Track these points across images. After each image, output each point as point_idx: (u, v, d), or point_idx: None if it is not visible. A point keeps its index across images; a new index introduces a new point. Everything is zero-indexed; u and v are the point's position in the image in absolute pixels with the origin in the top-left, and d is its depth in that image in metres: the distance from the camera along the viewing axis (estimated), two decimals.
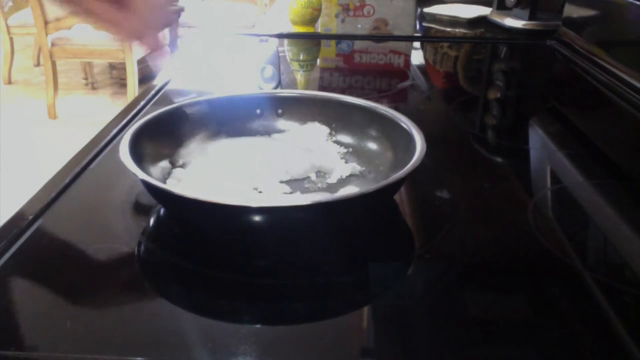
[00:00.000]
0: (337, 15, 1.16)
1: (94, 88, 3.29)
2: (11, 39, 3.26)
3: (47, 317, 0.40)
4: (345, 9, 1.16)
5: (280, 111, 0.65)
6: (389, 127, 0.58)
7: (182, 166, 0.57)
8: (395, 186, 0.50)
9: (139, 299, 0.43)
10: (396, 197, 0.54)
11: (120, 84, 3.21)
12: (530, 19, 1.20)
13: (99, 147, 0.64)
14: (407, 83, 0.97)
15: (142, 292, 0.44)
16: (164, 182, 0.53)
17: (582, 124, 0.76)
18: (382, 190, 0.47)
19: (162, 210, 0.52)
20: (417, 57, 1.15)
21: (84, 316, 0.41)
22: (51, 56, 2.74)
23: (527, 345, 0.38)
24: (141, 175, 0.46)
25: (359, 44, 1.15)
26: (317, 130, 0.63)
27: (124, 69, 2.81)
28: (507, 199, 0.58)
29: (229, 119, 0.63)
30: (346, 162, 0.59)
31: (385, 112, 0.59)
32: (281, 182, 0.56)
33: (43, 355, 0.37)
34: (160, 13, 0.49)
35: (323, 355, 0.38)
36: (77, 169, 0.59)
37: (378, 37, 1.17)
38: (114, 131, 0.68)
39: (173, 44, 2.87)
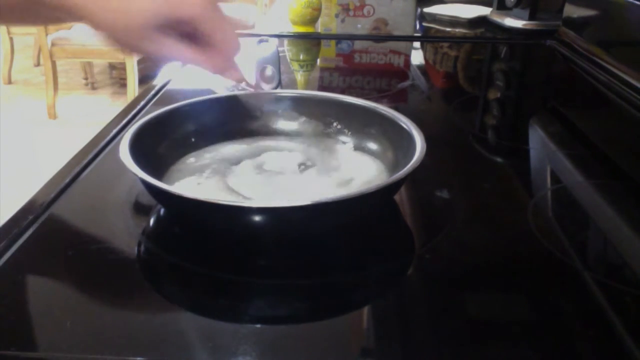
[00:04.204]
0: (337, 15, 1.16)
1: (94, 88, 3.29)
2: (11, 39, 3.26)
3: (47, 317, 0.40)
4: (345, 9, 1.16)
5: (280, 111, 0.65)
6: (389, 127, 0.58)
7: (183, 166, 0.57)
8: (395, 186, 0.50)
9: (139, 299, 0.43)
10: (396, 197, 0.54)
11: (120, 84, 3.21)
12: (530, 19, 1.20)
13: (99, 147, 0.64)
14: (407, 83, 0.98)
15: (142, 292, 0.44)
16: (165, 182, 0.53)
17: (582, 124, 0.76)
18: (382, 190, 0.47)
19: (162, 210, 0.52)
20: (417, 57, 1.15)
21: (84, 316, 0.41)
22: (51, 56, 2.74)
23: (527, 345, 0.38)
24: (141, 175, 0.46)
25: (359, 44, 1.15)
26: (317, 130, 0.63)
27: (124, 69, 2.81)
28: (507, 199, 0.58)
29: (229, 119, 0.63)
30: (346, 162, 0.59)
31: (385, 112, 0.59)
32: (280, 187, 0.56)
33: (43, 355, 0.37)
34: (238, 47, 0.50)
35: (323, 355, 0.38)
36: (77, 169, 0.59)
37: (378, 37, 1.17)
38: (114, 131, 0.68)
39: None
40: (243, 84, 0.54)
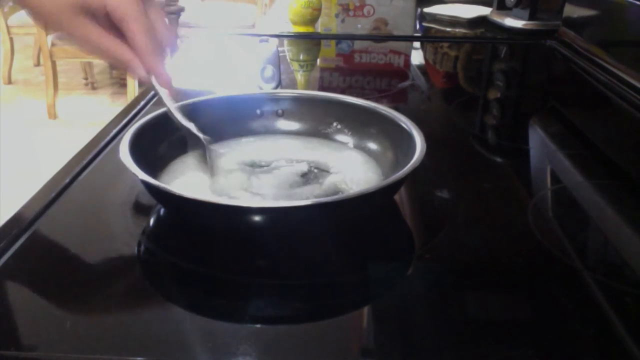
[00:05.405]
0: (337, 15, 1.16)
1: (94, 88, 3.29)
2: (11, 39, 3.25)
3: (47, 317, 0.40)
4: (345, 9, 1.16)
5: (280, 111, 0.65)
6: (389, 127, 0.58)
7: (183, 166, 0.57)
8: (395, 186, 0.50)
9: (139, 299, 0.43)
10: (396, 197, 0.54)
11: (120, 84, 3.21)
12: (530, 19, 1.20)
13: (99, 147, 0.64)
14: (407, 83, 0.97)
15: (142, 292, 0.44)
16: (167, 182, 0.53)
17: (582, 124, 0.76)
18: (382, 190, 0.47)
19: (162, 210, 0.52)
20: (417, 57, 1.15)
21: (84, 316, 0.41)
22: (51, 56, 2.74)
23: (527, 345, 0.38)
24: (141, 175, 0.46)
25: (359, 44, 1.15)
26: (317, 131, 0.63)
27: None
28: (507, 199, 0.58)
29: (229, 119, 0.63)
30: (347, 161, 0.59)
31: (385, 112, 0.59)
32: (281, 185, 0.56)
33: (43, 355, 0.37)
34: (160, 41, 0.51)
35: (323, 355, 0.38)
36: (77, 169, 0.59)
37: (378, 37, 1.17)
38: (114, 131, 0.68)
39: (173, 44, 2.87)
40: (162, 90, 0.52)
